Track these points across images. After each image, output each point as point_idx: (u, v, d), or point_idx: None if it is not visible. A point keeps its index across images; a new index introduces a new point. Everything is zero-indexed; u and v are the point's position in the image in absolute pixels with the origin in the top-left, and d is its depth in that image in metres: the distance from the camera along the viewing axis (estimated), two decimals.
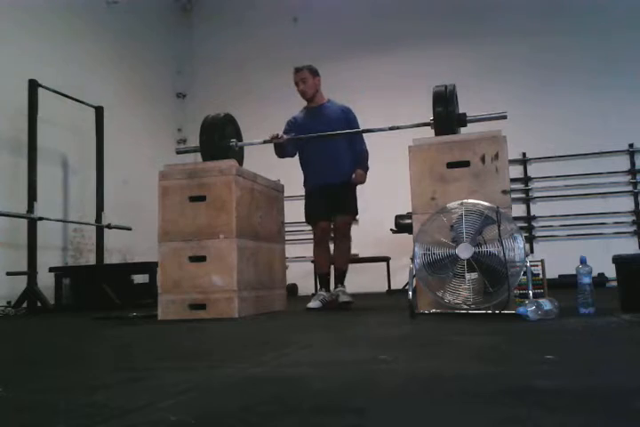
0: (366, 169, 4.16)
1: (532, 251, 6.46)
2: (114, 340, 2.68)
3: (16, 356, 2.15)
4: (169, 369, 1.63)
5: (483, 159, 3.16)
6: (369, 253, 6.32)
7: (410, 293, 2.92)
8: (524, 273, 2.78)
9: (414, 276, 2.98)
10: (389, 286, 6.30)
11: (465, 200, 2.96)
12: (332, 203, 4.07)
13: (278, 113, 6.80)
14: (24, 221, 4.87)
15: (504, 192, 3.11)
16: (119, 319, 3.66)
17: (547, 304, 2.55)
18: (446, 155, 3.23)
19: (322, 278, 4.24)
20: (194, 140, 3.95)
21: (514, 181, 6.31)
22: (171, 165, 3.73)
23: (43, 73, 5.18)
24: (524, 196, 6.83)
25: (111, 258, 6.11)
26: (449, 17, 7.15)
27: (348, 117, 4.12)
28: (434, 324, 2.71)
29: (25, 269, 4.80)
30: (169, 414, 1.07)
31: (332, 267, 4.18)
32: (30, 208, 4.81)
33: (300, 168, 4.24)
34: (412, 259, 2.99)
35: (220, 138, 3.86)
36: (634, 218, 6.49)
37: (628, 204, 6.55)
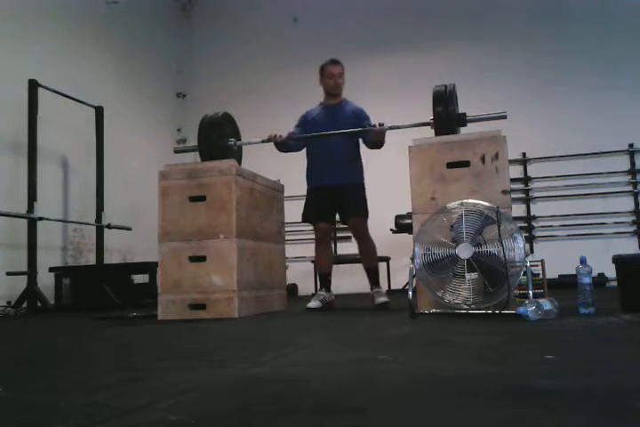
0: (382, 138, 3.90)
1: (532, 251, 6.46)
2: (114, 340, 2.68)
3: (16, 356, 2.15)
4: (169, 369, 1.63)
5: (483, 159, 3.16)
6: None
7: (410, 293, 2.92)
8: (524, 273, 2.78)
9: (414, 276, 2.98)
10: (389, 285, 6.29)
11: (465, 200, 2.96)
12: (340, 205, 4.03)
13: (278, 113, 6.85)
14: (24, 221, 4.87)
15: (504, 192, 3.11)
16: (119, 319, 3.66)
17: (547, 304, 2.55)
18: (446, 155, 3.23)
19: (322, 278, 4.22)
20: (194, 140, 3.95)
21: (514, 181, 6.31)
22: (171, 165, 3.73)
23: (43, 73, 5.18)
24: (524, 196, 6.83)
25: (111, 258, 6.11)
26: (449, 17, 7.15)
27: (362, 116, 4.01)
28: (434, 324, 2.70)
29: (25, 269, 4.80)
30: (169, 414, 1.07)
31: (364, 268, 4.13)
32: (30, 208, 4.81)
33: (306, 164, 4.18)
34: (412, 259, 2.99)
35: (218, 137, 3.86)
36: (634, 218, 6.49)
37: (628, 204, 6.55)
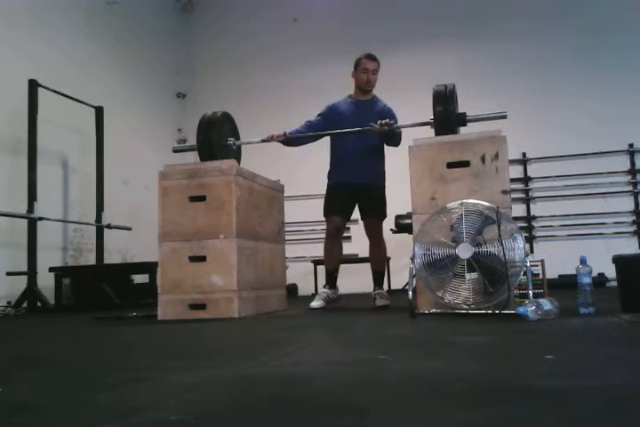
0: (394, 134, 3.83)
1: (532, 251, 6.46)
2: (114, 340, 2.68)
3: (16, 356, 2.15)
4: (169, 369, 1.63)
5: (483, 159, 3.16)
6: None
7: (410, 293, 2.92)
8: (524, 273, 2.78)
9: (414, 276, 2.98)
10: (389, 285, 6.29)
11: (465, 200, 2.96)
12: (361, 205, 4.05)
13: (278, 113, 6.86)
14: (24, 221, 4.87)
15: (504, 192, 3.11)
16: (119, 319, 3.66)
17: (547, 304, 2.55)
18: (446, 155, 3.23)
19: (328, 275, 4.19)
20: (194, 141, 3.95)
21: (514, 181, 6.31)
22: (171, 165, 3.73)
23: (43, 73, 5.17)
24: (524, 196, 6.83)
25: (111, 258, 6.11)
26: (449, 17, 7.14)
27: (388, 116, 3.87)
28: (434, 324, 2.70)
29: (25, 269, 4.80)
30: (169, 414, 1.07)
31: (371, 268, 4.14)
32: (30, 208, 4.81)
33: (329, 161, 4.16)
34: (412, 259, 2.99)
35: (217, 137, 3.85)
36: (634, 218, 6.49)
37: (627, 204, 6.55)
